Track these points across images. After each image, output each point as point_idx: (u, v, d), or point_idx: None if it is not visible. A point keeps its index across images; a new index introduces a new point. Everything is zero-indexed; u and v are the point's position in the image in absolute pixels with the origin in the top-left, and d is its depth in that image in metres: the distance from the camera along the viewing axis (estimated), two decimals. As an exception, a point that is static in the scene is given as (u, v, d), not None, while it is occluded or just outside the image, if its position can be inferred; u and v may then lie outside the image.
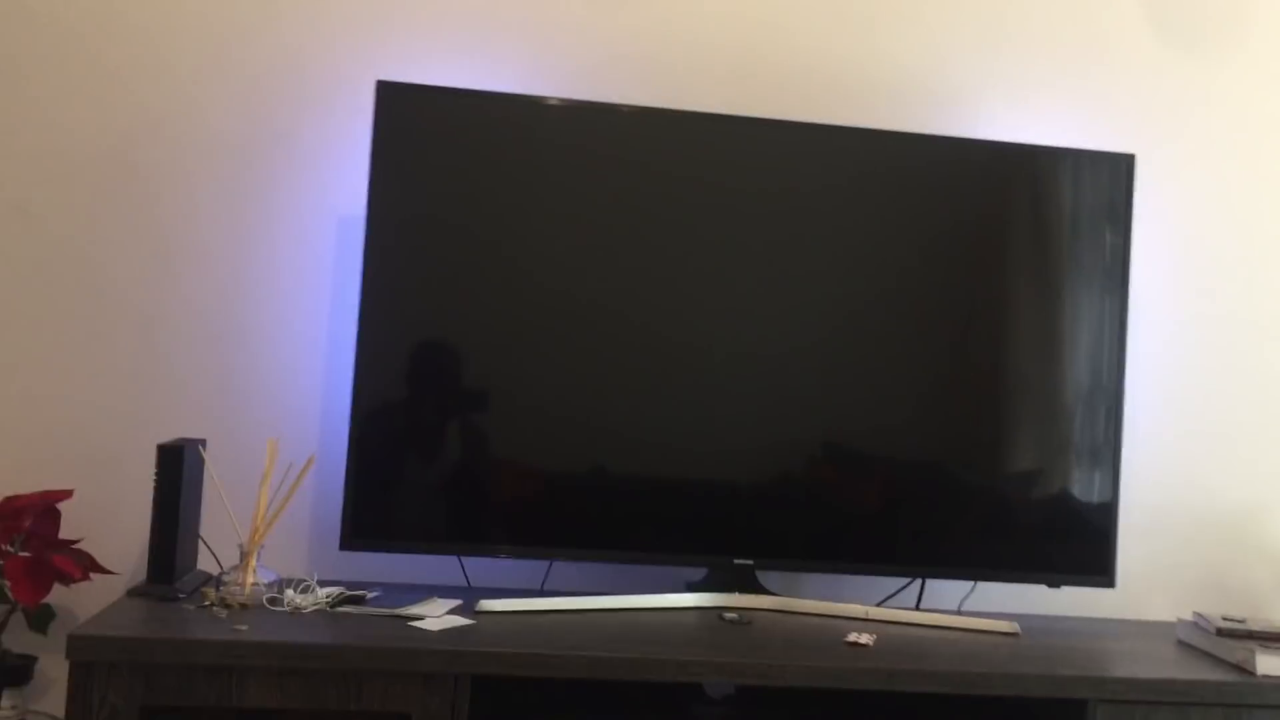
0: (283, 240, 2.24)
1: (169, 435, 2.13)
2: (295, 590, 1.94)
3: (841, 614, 2.13)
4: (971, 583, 2.29)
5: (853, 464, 2.19)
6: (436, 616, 1.90)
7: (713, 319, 2.14)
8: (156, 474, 1.94)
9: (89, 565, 2.02)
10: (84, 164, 2.21)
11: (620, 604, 2.07)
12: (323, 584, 1.99)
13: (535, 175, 2.12)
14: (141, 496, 2.08)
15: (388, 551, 2.10)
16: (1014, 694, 1.84)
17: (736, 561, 2.14)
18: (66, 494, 2.03)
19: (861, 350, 2.19)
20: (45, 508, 2.00)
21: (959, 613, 2.24)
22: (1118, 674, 1.90)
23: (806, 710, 2.03)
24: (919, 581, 2.27)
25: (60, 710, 2.04)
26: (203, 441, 2.07)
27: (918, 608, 2.24)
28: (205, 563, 2.10)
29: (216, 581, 1.96)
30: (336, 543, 2.06)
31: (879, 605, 2.21)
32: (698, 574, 2.17)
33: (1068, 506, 2.22)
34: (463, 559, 2.17)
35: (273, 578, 1.98)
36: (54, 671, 2.07)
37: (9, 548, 1.97)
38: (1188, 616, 2.20)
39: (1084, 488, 2.23)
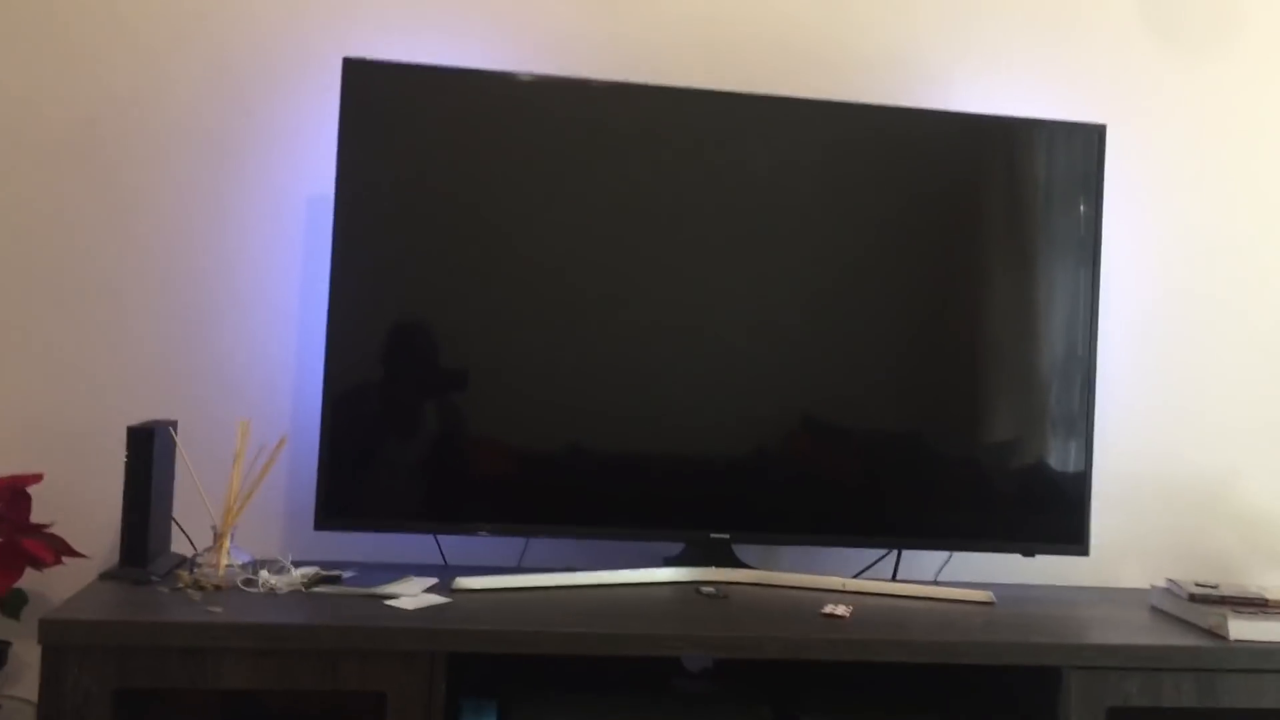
0: (252, 220, 2.22)
1: (139, 417, 2.11)
2: (270, 571, 1.93)
3: (818, 586, 2.14)
4: (947, 553, 2.30)
5: (829, 435, 2.20)
6: (413, 595, 1.89)
7: (688, 293, 2.14)
8: (127, 456, 1.92)
9: (61, 549, 2.00)
10: (50, 142, 2.18)
11: (597, 580, 2.07)
12: (298, 564, 1.98)
13: (506, 151, 2.10)
14: (112, 479, 2.06)
15: (362, 531, 2.10)
16: (989, 662, 1.85)
17: (713, 536, 2.14)
18: (36, 478, 2.02)
19: (838, 323, 2.19)
20: (15, 492, 1.98)
21: (935, 583, 2.25)
22: (1091, 641, 1.91)
23: (784, 681, 2.04)
24: (896, 552, 2.27)
25: (35, 695, 2.04)
26: (174, 423, 2.06)
27: (894, 578, 2.25)
28: (179, 545, 2.08)
29: (190, 564, 1.95)
30: (310, 523, 2.05)
31: (856, 577, 2.22)
32: (675, 549, 2.17)
33: (1043, 476, 2.23)
34: (439, 537, 2.17)
35: (247, 559, 1.97)
36: (28, 656, 2.06)
37: (-21, 533, 1.95)
38: (1161, 583, 2.22)
39: (1059, 457, 2.24)
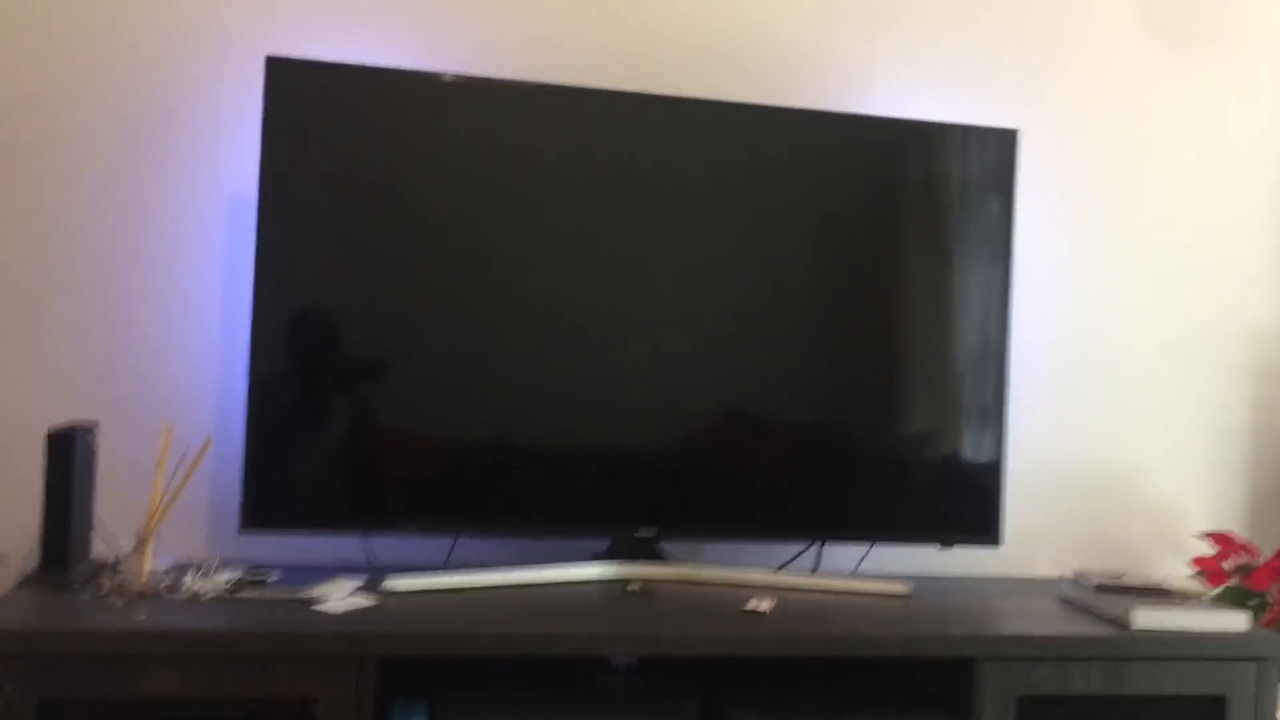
0: (172, 219, 2.19)
1: (58, 419, 2.08)
2: (194, 575, 1.92)
3: (742, 581, 2.18)
4: (868, 545, 2.36)
5: (752, 430, 2.24)
6: (340, 598, 1.90)
7: (612, 290, 2.16)
8: (46, 461, 1.90)
9: (-23, 554, 1.98)
10: (-41, 142, 2.14)
11: (526, 579, 2.09)
12: (224, 565, 1.98)
13: (430, 151, 2.10)
14: (30, 483, 2.05)
15: (288, 533, 2.09)
16: (906, 655, 1.91)
17: (639, 534, 2.17)
18: (-48, 483, 1.98)
19: (760, 319, 2.22)
20: (-70, 498, 1.94)
21: (855, 575, 2.30)
22: (1003, 632, 1.98)
23: (708, 675, 2.08)
24: (818, 546, 2.33)
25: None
26: (95, 424, 2.03)
27: (815, 571, 2.30)
28: (101, 549, 2.06)
29: (112, 569, 1.93)
30: (235, 524, 2.05)
31: (778, 570, 2.26)
32: (601, 544, 2.20)
33: (958, 469, 2.29)
34: (367, 538, 2.17)
35: (169, 563, 1.96)
36: (-56, 664, 2.02)
37: (-108, 540, 1.92)
38: (1070, 573, 2.30)
39: (973, 450, 2.30)
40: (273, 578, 2.00)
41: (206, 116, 2.20)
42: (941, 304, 2.29)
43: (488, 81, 2.15)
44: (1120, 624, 2.03)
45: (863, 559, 2.37)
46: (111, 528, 2.05)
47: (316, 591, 1.92)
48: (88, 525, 2.02)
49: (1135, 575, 2.24)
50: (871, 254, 2.28)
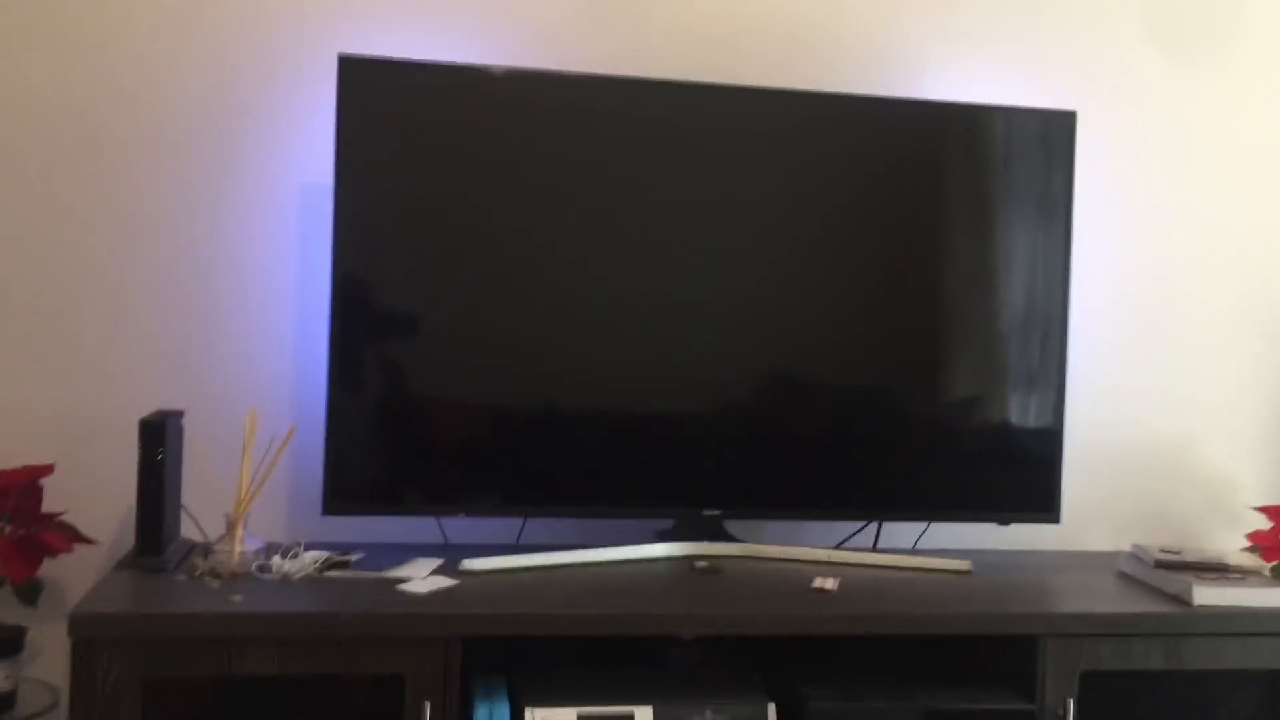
0: (248, 208, 2.25)
1: (145, 407, 2.15)
2: (283, 557, 1.99)
3: (805, 558, 2.24)
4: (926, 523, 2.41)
5: (804, 397, 2.29)
6: (422, 578, 1.97)
7: (669, 266, 2.22)
8: (140, 448, 1.96)
9: (72, 537, 2.05)
10: (47, 137, 2.20)
11: (596, 557, 2.16)
12: (307, 547, 2.05)
13: (496, 142, 2.16)
14: (118, 467, 2.11)
15: (369, 515, 2.16)
16: (970, 633, 1.96)
17: (705, 513, 2.23)
18: (48, 469, 2.06)
19: (811, 287, 2.28)
20: (29, 485, 2.02)
21: (914, 551, 2.35)
22: (1065, 610, 2.03)
23: (771, 649, 2.13)
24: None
25: (50, 676, 2.11)
26: (181, 413, 2.10)
27: (875, 548, 2.36)
28: (188, 531, 2.14)
29: (205, 550, 2.01)
30: (314, 506, 2.12)
31: (838, 547, 2.32)
32: (666, 523, 2.26)
33: (1016, 443, 2.33)
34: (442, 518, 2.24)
35: (259, 545, 2.03)
36: (42, 640, 2.11)
37: (-5, 524, 2.00)
38: (1126, 547, 2.34)
39: (1032, 424, 2.34)
40: (356, 557, 2.07)
41: (279, 110, 2.25)
42: (1004, 277, 2.33)
43: (544, 74, 2.21)
44: (1180, 600, 2.07)
45: (921, 535, 2.41)
46: (194, 511, 2.12)
47: (400, 572, 1.99)
48: (177, 508, 2.10)
49: (1193, 550, 2.27)
50: (934, 231, 2.33)
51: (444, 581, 1.96)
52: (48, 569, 2.10)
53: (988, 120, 2.32)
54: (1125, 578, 2.26)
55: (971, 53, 2.49)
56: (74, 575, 2.13)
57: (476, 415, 2.17)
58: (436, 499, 2.17)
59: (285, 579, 1.94)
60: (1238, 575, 2.13)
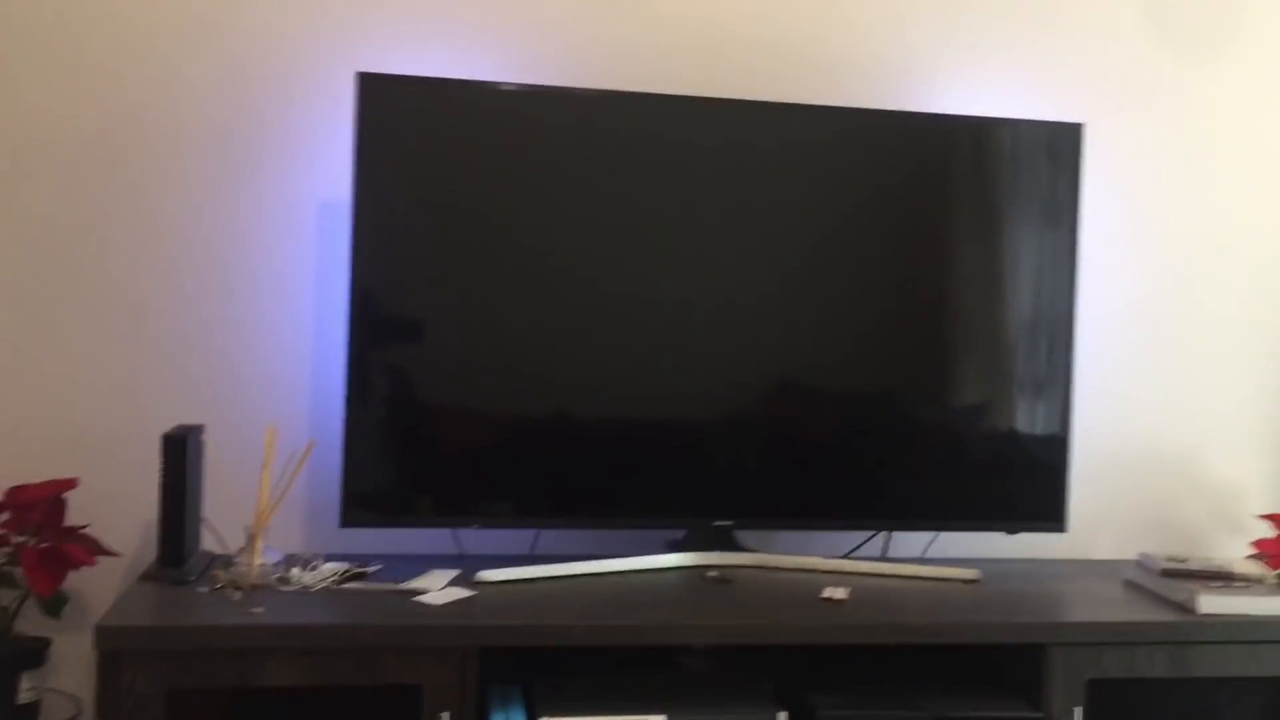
0: (267, 225, 2.29)
1: (164, 420, 2.18)
2: (302, 569, 2.03)
3: (815, 568, 2.27)
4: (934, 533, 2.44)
5: (811, 404, 2.32)
6: (439, 589, 2.00)
7: (682, 278, 2.26)
8: (163, 462, 2.00)
9: (95, 549, 2.09)
10: (69, 155, 2.24)
11: (609, 568, 2.19)
12: (325, 559, 2.08)
13: (512, 157, 2.20)
14: (139, 480, 2.15)
15: (385, 527, 2.20)
16: (979, 641, 1.99)
17: (716, 523, 2.27)
18: (72, 483, 2.10)
19: (821, 298, 2.31)
20: (53, 498, 2.06)
21: (924, 560, 2.38)
22: (1072, 619, 2.05)
23: (782, 657, 2.16)
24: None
25: (74, 688, 2.15)
26: (200, 427, 2.14)
27: (883, 556, 2.39)
28: (208, 544, 2.17)
29: (225, 563, 2.04)
30: (332, 518, 2.15)
31: (847, 556, 2.35)
32: (678, 533, 2.29)
33: (1023, 453, 2.36)
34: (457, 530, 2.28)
35: (279, 557, 2.07)
36: (65, 651, 2.15)
37: (20, 537, 2.04)
38: (1132, 555, 2.36)
39: (1039, 434, 2.37)
40: (373, 569, 2.11)
41: (298, 127, 2.29)
42: (1014, 287, 2.36)
43: (560, 90, 2.25)
44: (1186, 608, 2.09)
45: (930, 544, 2.44)
46: (215, 524, 2.16)
47: (417, 583, 2.02)
48: (197, 521, 2.13)
49: (1198, 559, 2.30)
50: (946, 241, 2.37)
51: (461, 592, 2.00)
52: (71, 581, 2.14)
53: (995, 132, 2.36)
54: (1132, 586, 2.28)
55: (979, 64, 2.52)
56: (97, 588, 2.17)
57: (491, 428, 2.20)
58: (452, 511, 2.20)
59: (305, 591, 1.98)
60: (1243, 584, 2.16)
